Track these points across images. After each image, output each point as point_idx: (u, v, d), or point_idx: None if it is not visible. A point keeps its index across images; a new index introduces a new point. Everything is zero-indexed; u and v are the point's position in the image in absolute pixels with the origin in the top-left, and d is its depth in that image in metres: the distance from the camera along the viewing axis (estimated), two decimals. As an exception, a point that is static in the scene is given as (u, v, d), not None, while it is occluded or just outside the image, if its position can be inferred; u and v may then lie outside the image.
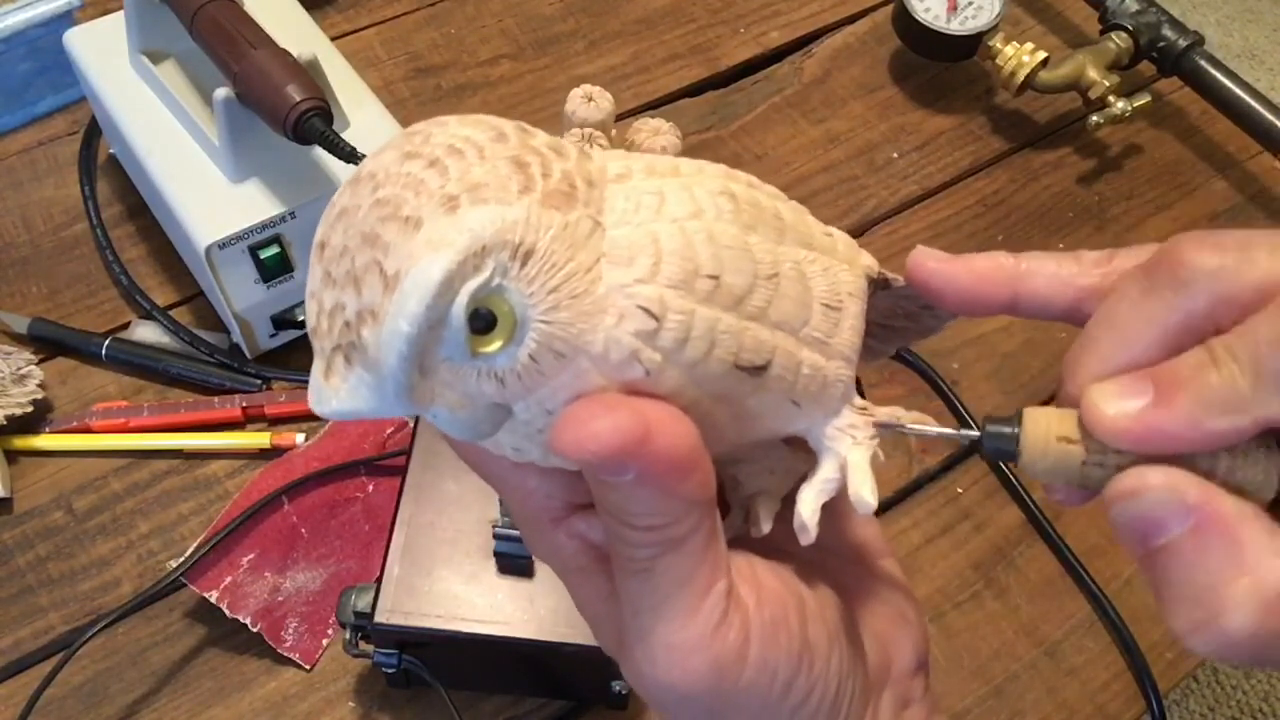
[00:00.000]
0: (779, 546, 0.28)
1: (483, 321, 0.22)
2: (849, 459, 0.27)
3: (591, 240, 0.22)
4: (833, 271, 0.26)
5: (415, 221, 0.21)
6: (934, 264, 0.28)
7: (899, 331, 0.33)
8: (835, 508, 0.28)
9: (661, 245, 0.23)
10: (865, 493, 0.26)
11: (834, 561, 0.29)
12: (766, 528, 0.29)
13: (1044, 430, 0.26)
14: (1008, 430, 0.26)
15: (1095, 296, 0.27)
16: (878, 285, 0.29)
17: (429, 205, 0.21)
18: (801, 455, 0.29)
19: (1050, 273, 0.28)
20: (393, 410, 0.22)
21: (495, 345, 0.22)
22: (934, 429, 0.29)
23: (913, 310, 0.32)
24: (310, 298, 0.23)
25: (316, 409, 0.22)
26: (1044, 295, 0.28)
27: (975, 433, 0.27)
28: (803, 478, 0.30)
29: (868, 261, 0.28)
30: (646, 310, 0.22)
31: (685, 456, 0.23)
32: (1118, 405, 0.24)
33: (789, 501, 0.29)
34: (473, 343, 0.22)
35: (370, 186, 0.22)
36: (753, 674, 0.25)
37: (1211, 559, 0.23)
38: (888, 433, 0.28)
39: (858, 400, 0.27)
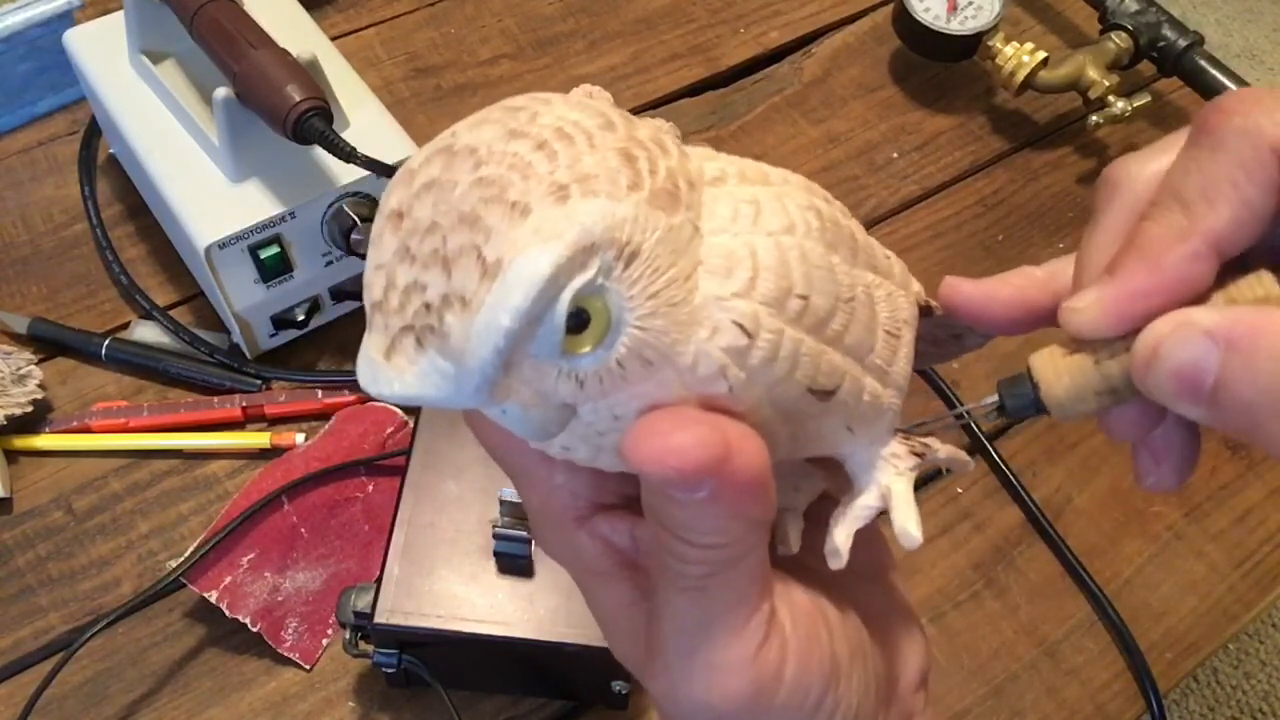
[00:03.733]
0: (796, 560, 0.28)
1: (577, 321, 0.20)
2: (894, 489, 0.27)
3: (691, 246, 0.21)
4: (894, 298, 0.26)
5: (523, 208, 0.20)
6: (970, 288, 0.28)
7: (921, 355, 0.32)
8: None
9: (759, 259, 0.22)
10: (911, 526, 0.26)
11: (845, 576, 0.29)
12: (796, 546, 0.28)
13: (1049, 358, 0.26)
14: (1020, 380, 0.27)
15: None
16: (922, 312, 0.29)
17: (537, 191, 0.20)
18: (821, 473, 0.29)
19: (1070, 265, 0.28)
20: (464, 402, 0.21)
21: (586, 347, 0.21)
22: (954, 415, 0.29)
23: (941, 337, 0.32)
24: (377, 269, 0.21)
25: (370, 388, 0.21)
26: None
27: (994, 399, 0.27)
28: (823, 495, 0.29)
29: (917, 288, 0.28)
30: (741, 327, 0.22)
31: (758, 478, 0.22)
32: (1084, 299, 0.25)
33: (808, 517, 0.29)
34: (565, 343, 0.20)
35: (471, 162, 0.21)
36: (787, 694, 0.25)
37: (1264, 360, 0.22)
38: (926, 463, 0.28)
39: (900, 429, 0.27)
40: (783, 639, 0.25)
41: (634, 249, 0.20)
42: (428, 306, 0.20)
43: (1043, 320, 0.29)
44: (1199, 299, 0.24)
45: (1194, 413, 0.23)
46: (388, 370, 0.21)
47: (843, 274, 0.24)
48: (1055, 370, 0.26)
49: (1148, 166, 0.26)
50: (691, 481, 0.21)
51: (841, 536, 0.26)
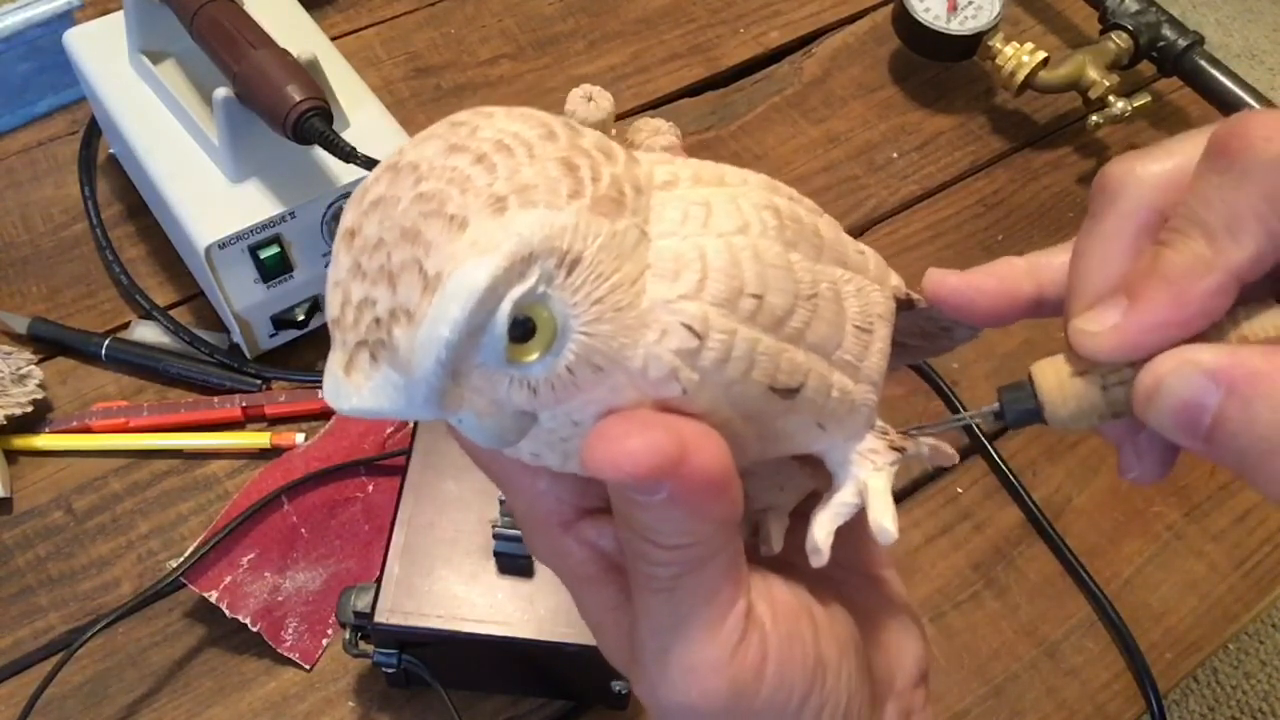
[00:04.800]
0: (784, 559, 0.28)
1: (522, 329, 0.21)
2: (869, 485, 0.27)
3: (638, 251, 0.22)
4: (865, 292, 0.26)
5: (460, 221, 0.20)
6: (955, 280, 0.28)
7: (912, 349, 0.32)
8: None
9: (708, 261, 0.22)
10: (886, 521, 0.26)
11: (838, 573, 0.29)
12: (778, 546, 0.28)
13: (1054, 374, 0.26)
14: (1022, 391, 0.26)
15: None
16: (903, 305, 0.28)
17: (475, 204, 0.20)
18: (808, 470, 0.29)
19: (1063, 261, 0.28)
20: (417, 413, 0.21)
21: (533, 355, 0.21)
22: (952, 421, 0.29)
23: (931, 330, 0.32)
24: (334, 286, 0.22)
25: (333, 403, 0.21)
26: (1064, 282, 0.28)
27: (994, 406, 0.27)
28: (811, 494, 0.29)
29: (895, 281, 0.28)
30: (689, 328, 0.22)
31: (718, 478, 0.22)
32: (1101, 322, 0.25)
33: (795, 516, 0.29)
34: (510, 351, 0.21)
35: (412, 179, 0.21)
36: (769, 692, 0.25)
37: (1261, 408, 0.22)
38: (906, 458, 0.28)
39: (879, 424, 0.27)
40: (762, 637, 0.25)
41: (575, 256, 0.21)
42: (378, 321, 0.21)
43: (1026, 311, 0.29)
44: (1212, 327, 0.24)
45: (1192, 447, 0.23)
46: (347, 385, 0.21)
47: (803, 271, 0.24)
48: (1062, 392, 0.26)
49: (1149, 169, 0.26)
50: (647, 485, 0.21)
51: (821, 534, 0.26)
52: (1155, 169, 0.26)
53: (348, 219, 0.22)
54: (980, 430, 0.66)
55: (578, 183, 0.21)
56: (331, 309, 0.22)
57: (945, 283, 0.28)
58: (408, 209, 0.21)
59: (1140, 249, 0.25)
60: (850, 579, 0.31)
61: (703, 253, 0.22)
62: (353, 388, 0.21)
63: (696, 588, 0.24)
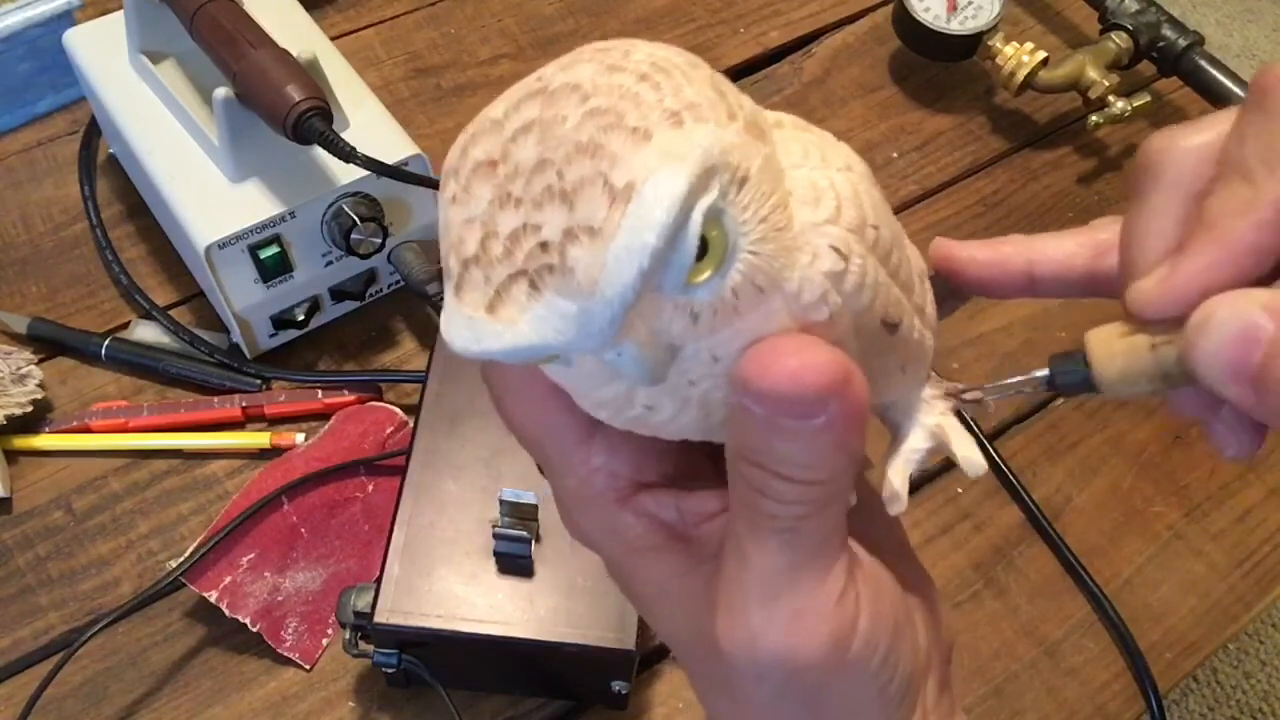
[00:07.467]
0: None
1: (699, 247, 0.20)
2: (945, 425, 0.28)
3: (782, 176, 0.22)
4: (913, 248, 0.27)
5: (644, 132, 0.20)
6: (957, 249, 0.30)
7: None
8: (867, 497, 0.28)
9: (839, 190, 0.23)
10: (976, 454, 0.27)
11: (869, 545, 0.29)
12: (853, 498, 0.28)
13: (1104, 338, 0.26)
14: (1073, 356, 0.27)
15: (1113, 250, 0.28)
16: None
17: (654, 116, 0.20)
18: None
19: (1062, 240, 0.29)
20: (588, 343, 0.20)
21: (705, 274, 0.21)
22: (1006, 383, 0.29)
23: None
24: (468, 223, 0.20)
25: (473, 347, 0.20)
26: (1061, 260, 0.29)
27: (1045, 372, 0.27)
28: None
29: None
30: (837, 250, 0.22)
31: (866, 406, 0.22)
32: (1152, 278, 0.24)
33: None
34: (692, 270, 0.20)
35: (577, 97, 0.20)
36: (859, 647, 0.24)
37: None
38: (959, 404, 0.29)
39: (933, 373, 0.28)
40: (856, 592, 0.24)
41: (744, 174, 0.21)
42: (544, 246, 0.19)
43: (1018, 287, 0.30)
44: (1273, 276, 0.23)
45: (1237, 393, 0.23)
46: (493, 324, 0.20)
47: (890, 214, 0.25)
48: (1109, 350, 0.26)
49: (1191, 141, 0.25)
50: (813, 404, 0.21)
51: (898, 481, 0.27)
52: (1197, 140, 0.25)
53: (480, 151, 0.21)
54: (980, 430, 0.66)
55: (730, 107, 0.21)
56: (466, 247, 0.20)
57: (949, 250, 0.30)
58: (580, 124, 0.20)
59: (1186, 214, 0.25)
60: (882, 554, 0.31)
61: (832, 182, 0.23)
62: (503, 325, 0.20)
63: (816, 531, 0.23)
